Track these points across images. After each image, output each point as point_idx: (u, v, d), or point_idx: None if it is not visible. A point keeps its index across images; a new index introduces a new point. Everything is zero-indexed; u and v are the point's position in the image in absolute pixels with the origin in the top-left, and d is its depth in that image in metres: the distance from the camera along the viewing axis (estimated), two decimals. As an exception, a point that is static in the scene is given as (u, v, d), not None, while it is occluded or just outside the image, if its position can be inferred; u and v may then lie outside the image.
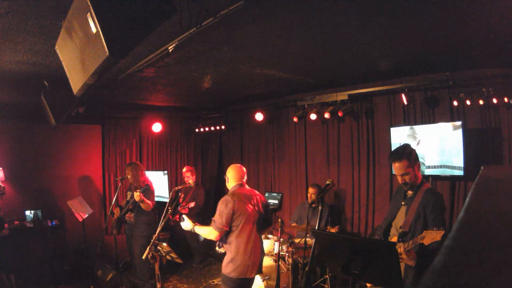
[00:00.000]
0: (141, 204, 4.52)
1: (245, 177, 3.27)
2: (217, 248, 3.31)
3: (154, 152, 7.16)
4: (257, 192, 3.32)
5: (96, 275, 4.93)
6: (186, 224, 3.19)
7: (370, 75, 4.61)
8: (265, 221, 3.28)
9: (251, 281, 3.12)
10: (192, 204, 5.58)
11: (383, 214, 4.78)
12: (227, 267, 3.02)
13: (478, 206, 0.72)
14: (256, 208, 3.13)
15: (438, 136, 4.22)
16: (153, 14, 1.72)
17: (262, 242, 3.27)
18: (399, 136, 4.57)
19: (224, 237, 3.07)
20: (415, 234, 2.41)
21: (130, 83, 4.56)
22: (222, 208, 2.98)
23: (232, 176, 3.21)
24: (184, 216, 3.24)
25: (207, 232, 3.05)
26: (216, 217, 3.00)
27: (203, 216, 6.66)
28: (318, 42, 3.22)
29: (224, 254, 3.13)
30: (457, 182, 4.25)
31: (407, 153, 2.61)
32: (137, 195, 4.39)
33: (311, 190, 5.07)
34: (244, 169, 3.29)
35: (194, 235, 6.05)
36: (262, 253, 3.27)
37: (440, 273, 0.43)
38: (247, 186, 3.26)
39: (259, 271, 3.22)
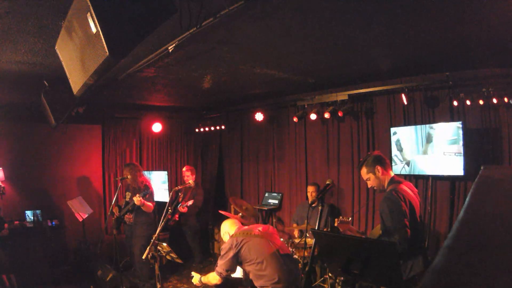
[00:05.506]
0: (142, 207, 4.52)
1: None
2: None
3: (154, 152, 7.15)
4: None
5: (96, 275, 4.93)
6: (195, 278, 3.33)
7: (370, 75, 4.61)
8: None
9: None
10: (190, 202, 5.58)
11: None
12: None
13: (478, 206, 0.72)
14: None
15: (438, 136, 4.22)
16: (153, 14, 1.72)
17: None
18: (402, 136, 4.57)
19: None
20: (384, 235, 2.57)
21: (130, 83, 4.56)
22: None
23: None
24: (192, 273, 3.40)
25: None
26: None
27: (203, 217, 6.67)
28: (318, 42, 3.22)
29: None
30: (457, 182, 4.25)
31: (364, 161, 2.82)
32: (137, 200, 4.38)
33: (310, 189, 5.09)
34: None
35: (194, 235, 6.15)
36: None
37: (440, 273, 0.43)
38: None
39: None
